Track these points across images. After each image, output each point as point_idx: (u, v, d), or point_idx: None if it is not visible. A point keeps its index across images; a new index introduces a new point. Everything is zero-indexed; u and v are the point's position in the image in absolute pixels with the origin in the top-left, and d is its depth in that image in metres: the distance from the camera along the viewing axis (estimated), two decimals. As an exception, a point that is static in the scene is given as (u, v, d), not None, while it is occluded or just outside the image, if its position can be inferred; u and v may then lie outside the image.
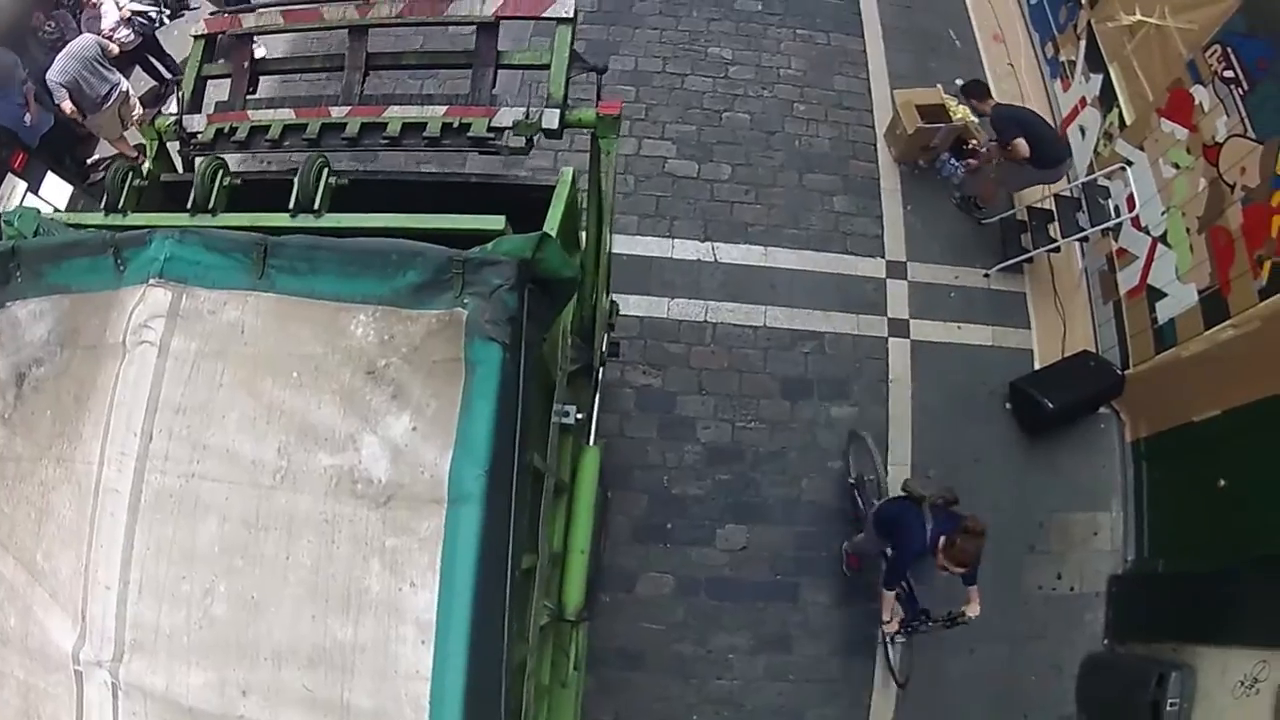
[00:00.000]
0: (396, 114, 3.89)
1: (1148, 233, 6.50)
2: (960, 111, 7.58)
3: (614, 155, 4.15)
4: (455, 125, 3.82)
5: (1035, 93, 7.85)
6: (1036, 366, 6.94)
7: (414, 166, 6.31)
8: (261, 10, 4.22)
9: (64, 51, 6.74)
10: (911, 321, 6.85)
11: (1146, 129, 6.61)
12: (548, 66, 3.86)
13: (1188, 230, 6.10)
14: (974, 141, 7.37)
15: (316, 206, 3.18)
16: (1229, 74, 5.71)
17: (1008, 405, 6.69)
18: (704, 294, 6.84)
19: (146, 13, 8.13)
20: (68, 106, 6.71)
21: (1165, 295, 6.30)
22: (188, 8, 8.68)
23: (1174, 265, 6.22)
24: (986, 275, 6.99)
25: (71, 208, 6.90)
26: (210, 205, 3.24)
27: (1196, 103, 6.04)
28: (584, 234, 4.26)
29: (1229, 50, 5.73)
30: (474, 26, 3.95)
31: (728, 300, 6.81)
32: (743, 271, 6.95)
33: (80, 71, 6.70)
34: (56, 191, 6.89)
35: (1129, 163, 6.72)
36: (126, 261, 2.72)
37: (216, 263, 2.63)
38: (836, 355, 6.71)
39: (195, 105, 4.11)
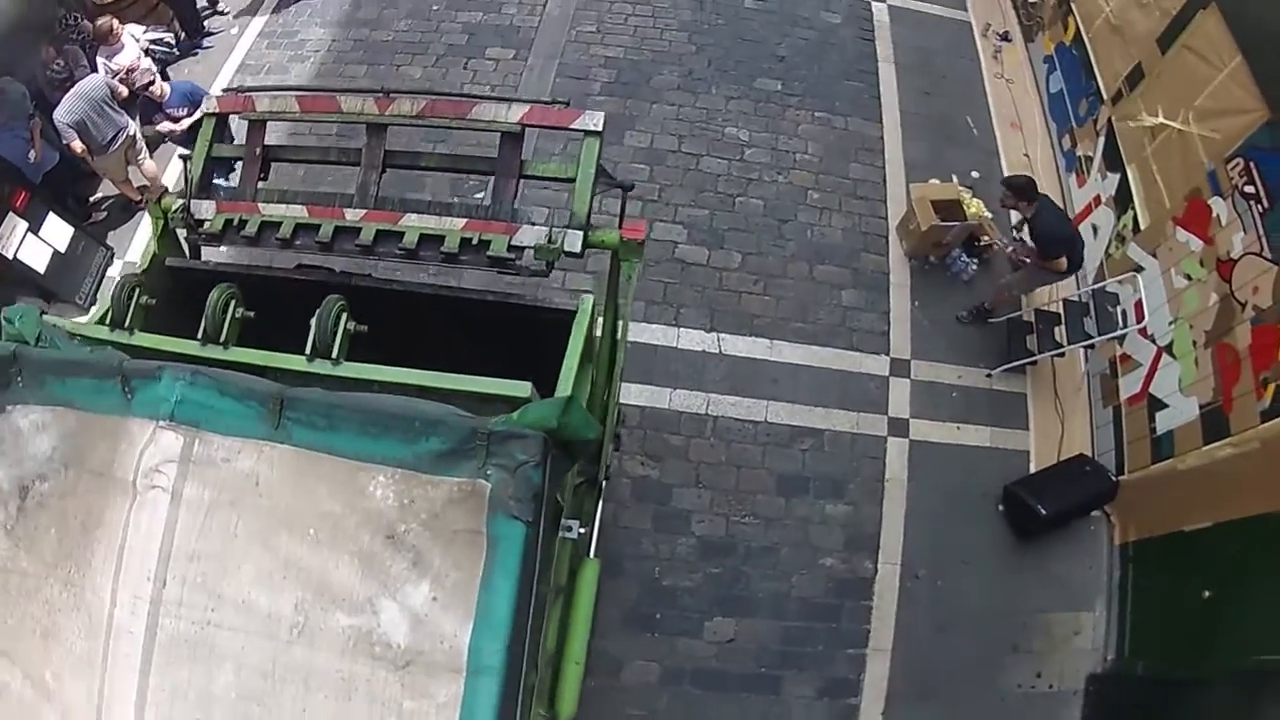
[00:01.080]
0: (414, 223, 3.70)
1: (1154, 341, 6.29)
2: (974, 206, 7.47)
3: (635, 279, 3.99)
4: (474, 242, 3.65)
5: (1050, 185, 7.51)
6: (1032, 469, 6.98)
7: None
8: (276, 95, 3.98)
9: (72, 91, 6.54)
10: (911, 421, 6.67)
11: (1161, 236, 6.39)
12: (573, 180, 3.70)
13: (1194, 343, 5.90)
14: (986, 238, 7.22)
15: (335, 355, 3.06)
16: (1250, 189, 5.50)
17: (1000, 507, 6.71)
18: (707, 386, 6.66)
19: (162, 39, 8.06)
20: (78, 146, 6.54)
21: (1166, 406, 6.12)
22: (201, 42, 8.61)
23: (1178, 377, 6.03)
24: (989, 375, 6.80)
25: (71, 250, 6.78)
26: (222, 338, 3.14)
27: (1214, 215, 5.83)
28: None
29: (1251, 165, 5.51)
30: (498, 133, 3.76)
31: (730, 394, 6.64)
32: (747, 364, 6.76)
33: (88, 112, 6.53)
34: (58, 233, 6.74)
35: (1140, 268, 6.55)
36: (135, 391, 2.66)
37: (231, 409, 2.60)
38: (835, 453, 6.53)
39: (204, 187, 3.91)
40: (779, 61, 8.01)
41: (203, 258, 4.18)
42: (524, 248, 3.66)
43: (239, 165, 4.09)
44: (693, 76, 7.86)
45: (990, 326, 7.01)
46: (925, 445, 6.75)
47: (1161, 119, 6.50)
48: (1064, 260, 6.19)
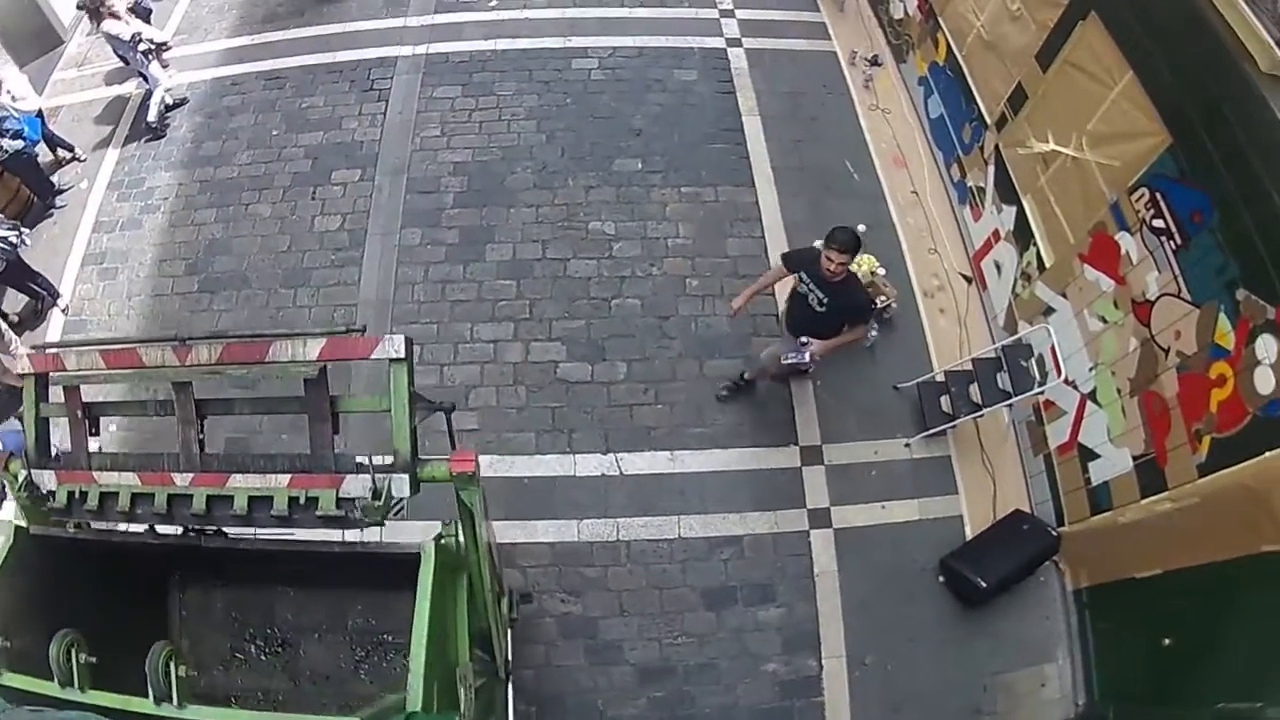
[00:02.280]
0: (240, 484, 3.43)
1: (1075, 388, 5.59)
2: (865, 263, 6.83)
3: (480, 505, 3.68)
4: (302, 500, 3.37)
5: (944, 221, 6.77)
6: (968, 532, 6.41)
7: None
8: (83, 350, 3.68)
9: None
10: (833, 509, 5.93)
11: (1069, 275, 5.65)
12: (388, 412, 3.33)
13: (1119, 391, 5.25)
14: (883, 298, 6.33)
15: (175, 700, 2.97)
16: (1159, 223, 4.75)
17: (940, 578, 6.25)
18: (613, 511, 5.92)
19: (6, 239, 7.45)
20: None
21: (1098, 456, 5.47)
22: (54, 202, 8.01)
23: (1105, 426, 5.37)
24: (908, 445, 6.08)
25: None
26: (74, 681, 3.01)
27: (1123, 251, 5.08)
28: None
29: (1158, 196, 4.74)
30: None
31: (639, 515, 5.91)
32: (651, 481, 5.99)
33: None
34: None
35: (1050, 309, 5.86)
36: None
37: None
38: (757, 558, 5.82)
39: (43, 453, 3.64)
40: (636, 136, 7.13)
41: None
42: (353, 499, 3.32)
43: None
44: (547, 170, 6.96)
45: (900, 393, 6.49)
46: (851, 531, 6.19)
47: (1052, 145, 5.67)
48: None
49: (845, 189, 6.91)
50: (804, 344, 5.12)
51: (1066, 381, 5.63)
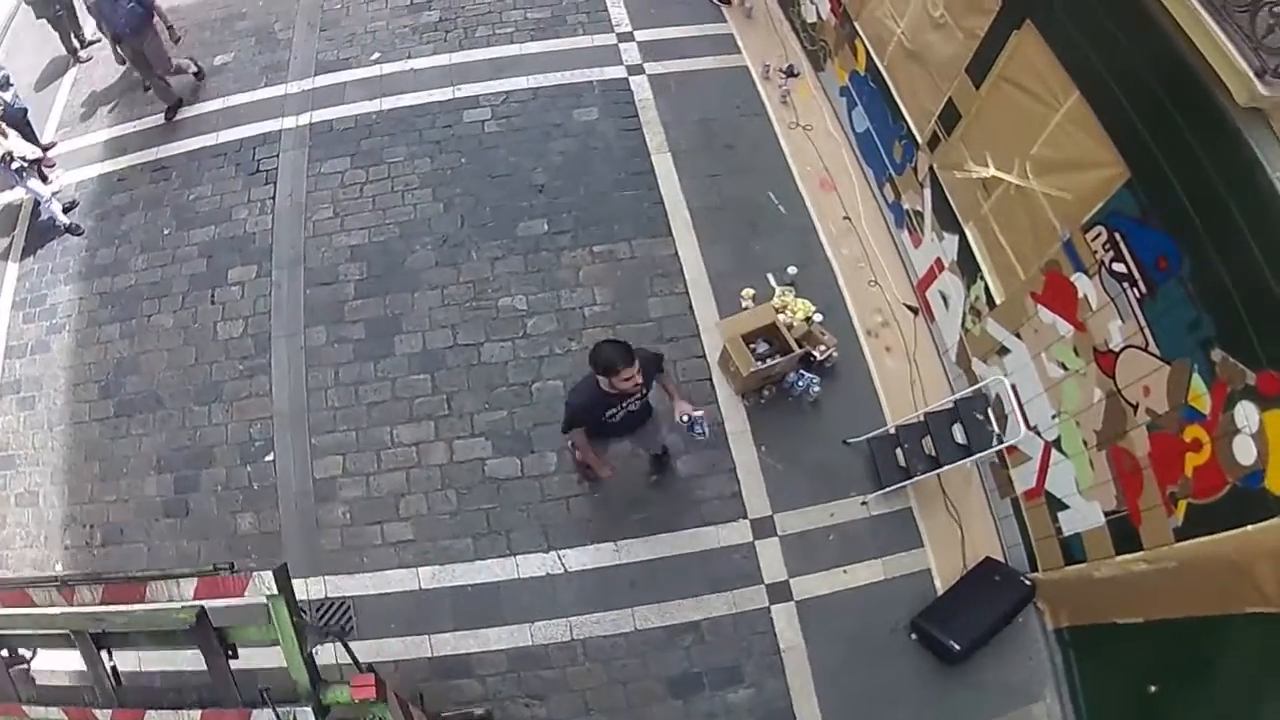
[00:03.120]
0: None
1: (1039, 434, 4.93)
2: (800, 310, 5.92)
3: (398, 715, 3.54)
4: None
5: (883, 248, 5.95)
6: (938, 585, 5.95)
7: None
8: None
9: None
10: (792, 581, 5.34)
11: (1022, 315, 4.90)
12: (278, 643, 3.28)
13: (1085, 443, 4.59)
14: (822, 347, 5.62)
15: None
16: (1119, 268, 4.00)
17: (913, 636, 5.85)
18: (564, 610, 5.37)
19: None
20: None
21: (1067, 507, 4.85)
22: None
23: (1073, 477, 4.74)
24: (864, 503, 5.45)
25: None
26: None
27: (1080, 295, 4.34)
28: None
29: (1117, 237, 3.98)
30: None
31: (591, 611, 5.36)
32: (597, 575, 5.39)
33: None
34: None
35: (1005, 349, 5.15)
36: None
37: None
38: (719, 641, 5.26)
39: None
40: (539, 193, 6.30)
41: None
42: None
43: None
44: (449, 244, 6.16)
45: (851, 449, 5.98)
46: (814, 601, 5.69)
47: (993, 171, 4.86)
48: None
49: (771, 224, 6.21)
50: (691, 420, 4.54)
51: (1027, 424, 5.12)
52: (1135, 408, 4.18)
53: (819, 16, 6.60)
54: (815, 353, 5.62)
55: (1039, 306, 4.78)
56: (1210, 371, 3.63)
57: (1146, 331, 3.98)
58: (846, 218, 6.07)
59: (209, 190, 6.95)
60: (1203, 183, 3.47)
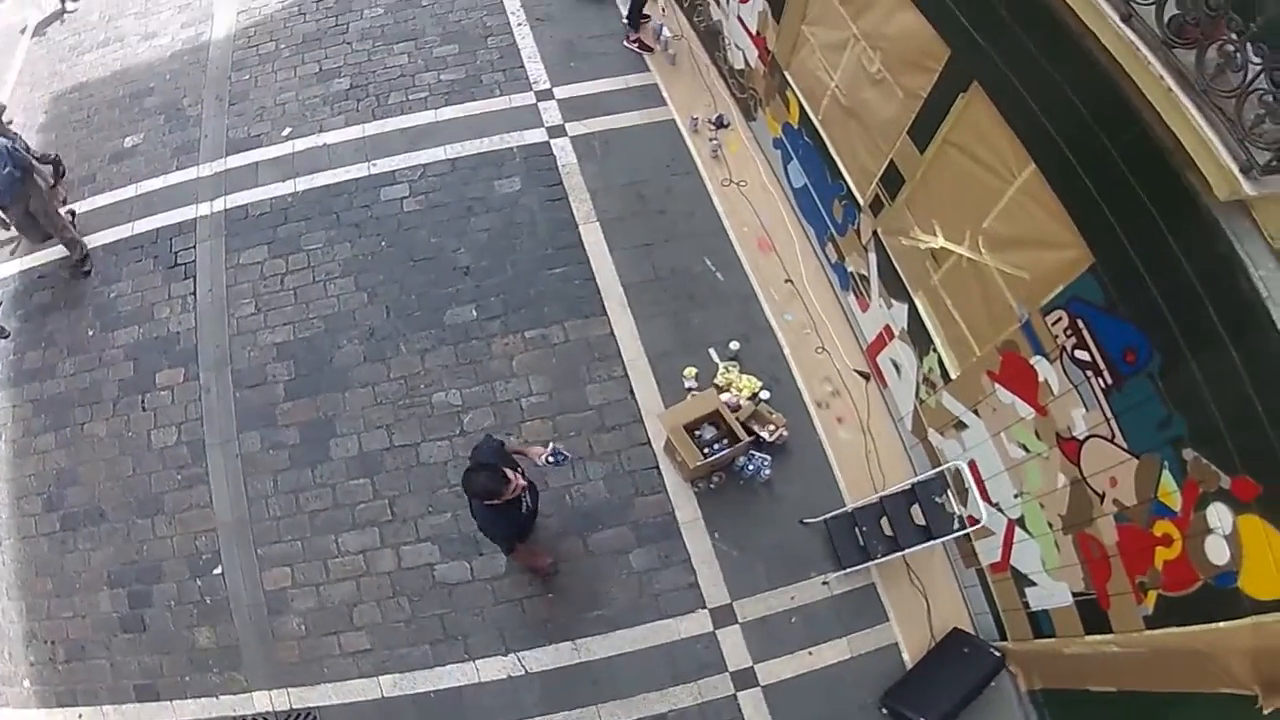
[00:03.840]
0: None
1: (1001, 511, 4.63)
2: (745, 385, 5.40)
3: None
4: None
5: (828, 310, 5.54)
6: (906, 659, 5.73)
7: None
8: None
9: None
10: (756, 667, 5.04)
11: (979, 393, 4.53)
12: None
13: (1050, 525, 4.29)
14: (771, 426, 5.26)
15: None
16: (1083, 355, 3.65)
17: (883, 712, 5.68)
18: (528, 711, 5.08)
19: None
20: None
21: (1034, 584, 4.59)
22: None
23: (1039, 556, 4.46)
24: (826, 583, 5.15)
25: None
26: None
27: (1041, 379, 3.98)
28: None
29: (1080, 324, 3.61)
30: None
31: (554, 712, 5.11)
32: (558, 675, 5.08)
33: None
34: None
35: (962, 424, 4.82)
36: None
37: None
38: None
39: None
40: (464, 276, 5.83)
41: None
42: None
43: None
44: (376, 338, 5.69)
45: (809, 529, 5.73)
46: (781, 685, 5.44)
47: (942, 241, 4.43)
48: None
49: (710, 294, 5.81)
50: (554, 456, 4.37)
51: (988, 498, 4.88)
52: (1102, 497, 3.88)
53: (746, 63, 6.12)
54: (764, 434, 5.33)
55: (997, 385, 4.39)
56: (1181, 470, 3.30)
57: (1113, 423, 3.63)
58: (789, 281, 5.69)
59: (129, 287, 6.50)
60: (1176, 275, 3.04)
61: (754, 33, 5.68)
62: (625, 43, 6.99)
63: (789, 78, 5.33)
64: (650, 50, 6.82)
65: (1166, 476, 3.38)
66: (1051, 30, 3.17)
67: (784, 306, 5.46)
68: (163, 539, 5.81)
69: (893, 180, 4.66)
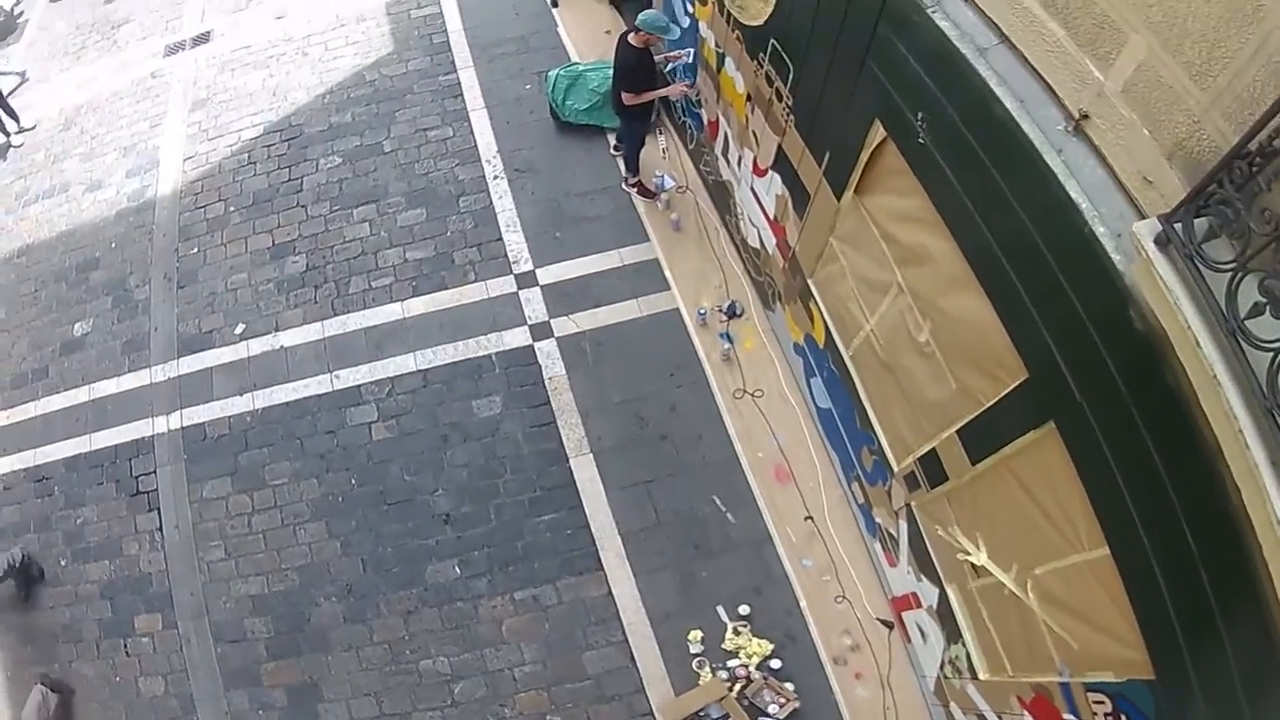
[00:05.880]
0: None
1: None
2: (756, 649, 5.15)
3: None
4: None
5: (852, 552, 5.06)
6: None
7: None
8: None
9: None
10: None
11: (1006, 706, 4.12)
12: None
13: None
14: (782, 699, 4.88)
15: None
16: None
17: None
18: None
19: None
20: None
21: None
22: None
23: None
24: None
25: None
26: None
27: None
28: None
29: (1123, 717, 3.20)
30: None
31: None
32: None
33: None
34: None
35: (984, 717, 4.36)
36: None
37: None
38: None
39: None
40: (445, 525, 5.49)
41: None
42: None
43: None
44: (354, 596, 5.50)
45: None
46: None
47: (984, 560, 3.93)
48: None
49: (719, 540, 5.22)
50: None
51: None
52: None
53: (763, 245, 5.26)
54: (774, 707, 4.72)
55: (1025, 713, 3.99)
56: None
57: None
58: (809, 518, 5.05)
59: (94, 515, 6.28)
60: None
61: (771, 217, 4.66)
62: (624, 185, 6.57)
63: (813, 289, 4.36)
64: (651, 196, 6.39)
65: None
66: (1173, 423, 2.58)
67: (802, 549, 4.88)
68: (162, 793, 5.52)
69: (934, 469, 3.99)
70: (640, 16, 5.61)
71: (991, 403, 3.57)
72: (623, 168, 6.48)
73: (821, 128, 4.42)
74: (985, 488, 3.86)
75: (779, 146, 4.88)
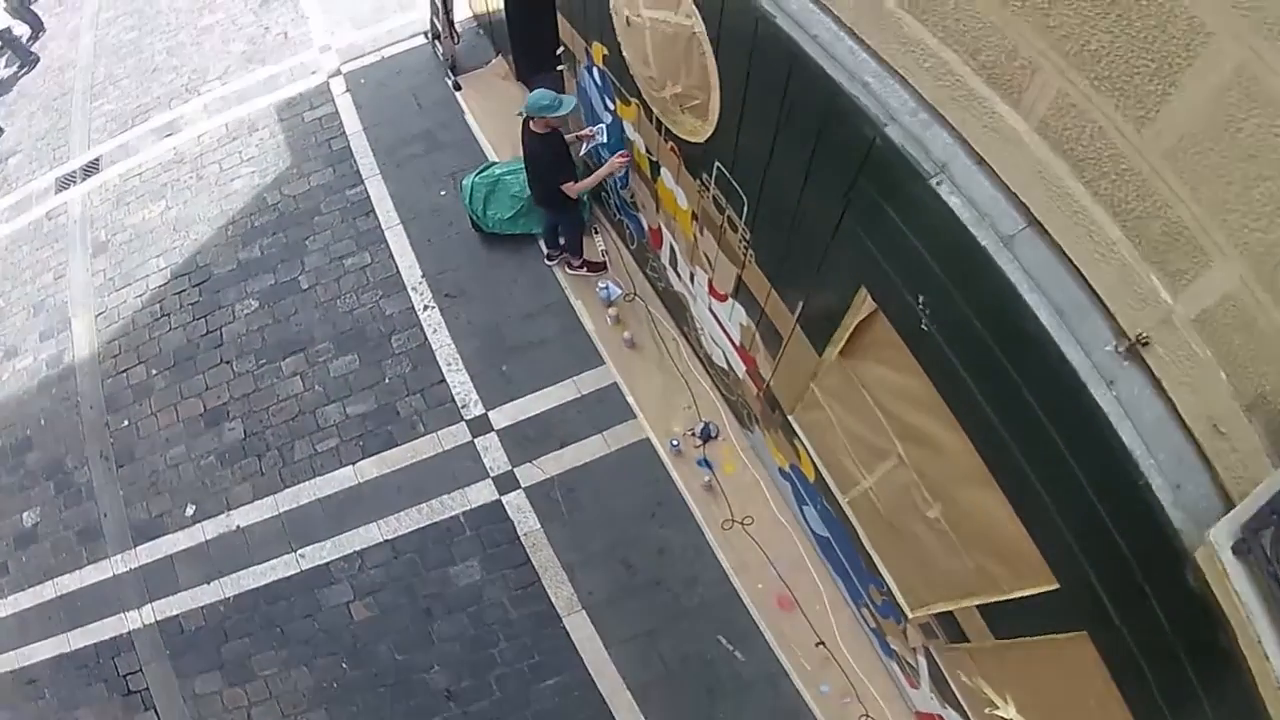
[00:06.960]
0: None
1: None
2: None
3: None
4: None
5: (871, 673, 4.79)
6: None
7: None
8: None
9: None
10: None
11: None
12: None
13: None
14: None
15: None
16: None
17: None
18: None
19: None
20: None
21: None
22: None
23: None
24: None
25: None
26: None
27: None
28: None
29: None
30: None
31: None
32: None
33: None
34: None
35: None
36: None
37: None
38: None
39: None
40: (448, 702, 5.07)
41: None
42: None
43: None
44: None
45: None
46: None
47: (1014, 713, 3.64)
48: None
49: (731, 681, 4.95)
50: None
51: None
52: None
53: (730, 367, 4.71)
54: None
55: None
56: None
57: None
58: (820, 643, 4.71)
59: (91, 717, 5.93)
60: None
61: (737, 344, 4.19)
62: (568, 269, 6.04)
63: (796, 429, 3.93)
64: (602, 267, 5.93)
65: None
66: (1224, 681, 2.17)
67: (818, 676, 4.67)
68: None
69: (952, 629, 3.62)
70: (526, 100, 4.97)
71: (1014, 593, 3.16)
72: (571, 262, 5.91)
73: (792, 276, 3.75)
74: (1014, 661, 3.52)
75: (738, 277, 4.32)
